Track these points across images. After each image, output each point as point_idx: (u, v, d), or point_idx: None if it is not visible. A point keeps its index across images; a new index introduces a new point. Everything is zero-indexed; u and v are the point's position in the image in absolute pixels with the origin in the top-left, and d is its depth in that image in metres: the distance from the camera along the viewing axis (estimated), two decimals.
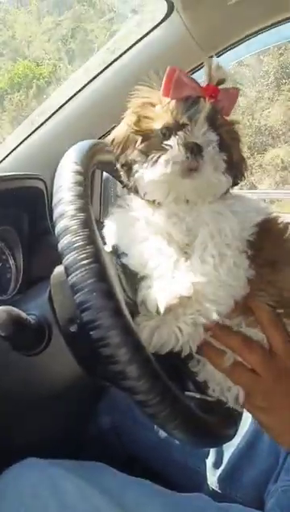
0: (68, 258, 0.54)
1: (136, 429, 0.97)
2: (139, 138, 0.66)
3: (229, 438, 0.70)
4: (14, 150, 1.18)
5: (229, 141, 0.66)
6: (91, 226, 0.57)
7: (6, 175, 0.91)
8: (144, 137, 0.65)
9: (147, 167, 0.63)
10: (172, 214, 0.65)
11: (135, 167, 0.66)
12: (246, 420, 0.91)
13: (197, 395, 0.69)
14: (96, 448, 0.99)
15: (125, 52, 1.02)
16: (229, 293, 0.61)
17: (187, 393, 0.69)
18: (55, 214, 0.58)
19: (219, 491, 0.90)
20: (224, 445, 0.93)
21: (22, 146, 1.18)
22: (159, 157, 0.62)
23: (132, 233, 0.66)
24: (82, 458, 0.80)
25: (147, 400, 0.54)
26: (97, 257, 0.54)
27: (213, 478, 0.91)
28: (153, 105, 0.65)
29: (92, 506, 0.67)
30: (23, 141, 1.18)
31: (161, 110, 0.64)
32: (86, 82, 1.10)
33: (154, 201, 0.66)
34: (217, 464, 0.92)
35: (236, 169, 0.68)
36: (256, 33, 0.99)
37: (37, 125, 1.17)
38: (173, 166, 0.61)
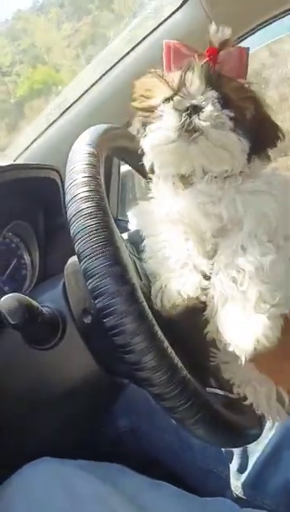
0: (80, 243, 0.51)
1: (155, 432, 0.93)
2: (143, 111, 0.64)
3: (253, 438, 0.65)
4: (29, 146, 1.17)
5: (237, 100, 0.61)
6: (105, 209, 0.53)
7: (20, 164, 0.90)
8: (147, 110, 0.64)
9: (145, 136, 0.62)
10: (199, 195, 0.61)
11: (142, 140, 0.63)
12: (273, 426, 0.86)
13: (220, 392, 0.65)
14: (114, 451, 0.95)
15: (144, 39, 0.99)
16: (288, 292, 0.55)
17: (209, 389, 0.65)
18: (67, 197, 0.54)
19: (244, 497, 0.85)
20: (249, 450, 0.89)
21: (37, 142, 1.16)
22: (153, 126, 0.60)
23: (150, 222, 0.64)
24: (99, 460, 0.76)
25: (164, 393, 0.50)
26: (110, 240, 0.51)
27: (237, 483, 0.87)
28: (154, 85, 0.64)
29: (107, 507, 0.64)
30: (38, 137, 1.17)
31: (161, 85, 0.62)
32: (102, 74, 1.07)
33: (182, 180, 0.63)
34: (241, 469, 0.87)
35: (256, 131, 0.62)
36: (276, 17, 0.95)
37: (52, 120, 1.15)
38: (167, 131, 0.59)
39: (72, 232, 0.52)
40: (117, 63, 1.03)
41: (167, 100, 0.60)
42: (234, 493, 0.86)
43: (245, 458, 0.88)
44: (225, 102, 0.59)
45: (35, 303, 0.60)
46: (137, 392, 0.56)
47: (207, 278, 0.57)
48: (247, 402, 0.64)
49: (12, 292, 0.65)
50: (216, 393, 0.65)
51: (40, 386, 0.70)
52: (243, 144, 0.61)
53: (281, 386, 0.62)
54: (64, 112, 1.14)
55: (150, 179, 0.68)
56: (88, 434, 0.87)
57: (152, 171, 0.65)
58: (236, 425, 0.59)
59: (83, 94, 1.10)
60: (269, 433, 0.87)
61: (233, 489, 0.87)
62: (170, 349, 0.51)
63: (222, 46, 0.60)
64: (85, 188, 0.54)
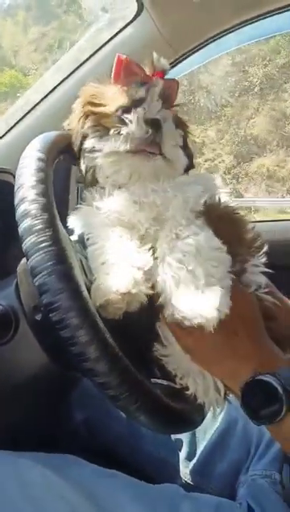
0: (27, 242, 0.55)
1: (109, 422, 0.96)
2: (94, 119, 0.69)
3: (195, 425, 0.70)
4: None
5: (179, 123, 0.70)
6: (51, 210, 0.57)
7: None
8: (100, 115, 0.68)
9: (107, 140, 0.66)
10: (135, 197, 0.65)
11: (91, 142, 0.68)
12: (214, 414, 0.91)
13: (163, 382, 0.70)
14: (69, 441, 0.98)
15: (97, 51, 1.03)
16: (226, 264, 0.61)
17: (153, 380, 0.70)
18: (16, 199, 0.58)
19: (192, 483, 0.90)
20: (197, 438, 0.94)
21: None
22: (119, 131, 0.65)
23: (93, 221, 0.67)
24: (55, 452, 0.79)
25: (107, 382, 0.54)
26: (55, 240, 0.55)
27: (185, 470, 0.91)
28: (103, 93, 0.69)
29: (60, 497, 0.66)
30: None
31: (113, 94, 0.67)
32: (59, 81, 1.10)
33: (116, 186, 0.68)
34: (189, 457, 0.92)
35: (187, 152, 0.71)
36: (225, 32, 1.01)
37: (11, 124, 1.17)
38: (133, 141, 0.64)
39: (20, 232, 0.56)
40: (73, 71, 1.07)
41: (124, 108, 0.66)
42: (183, 480, 0.91)
43: (193, 446, 0.93)
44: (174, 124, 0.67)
45: None
46: (91, 384, 0.59)
47: (146, 272, 0.61)
48: (189, 392, 0.69)
49: None
50: (160, 383, 0.69)
51: None
52: (185, 161, 0.70)
53: (216, 377, 0.67)
54: (23, 117, 1.17)
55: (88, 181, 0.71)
56: (44, 427, 0.90)
57: (95, 182, 0.70)
58: (177, 412, 0.64)
59: (42, 99, 1.13)
60: (215, 423, 0.92)
61: (181, 475, 0.91)
62: (112, 341, 0.55)
63: (163, 73, 0.67)
64: (33, 191, 0.58)
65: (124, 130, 0.64)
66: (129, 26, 0.98)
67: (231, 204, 0.70)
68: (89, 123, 0.69)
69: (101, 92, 0.69)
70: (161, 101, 0.66)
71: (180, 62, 1.04)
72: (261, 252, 0.69)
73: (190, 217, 0.62)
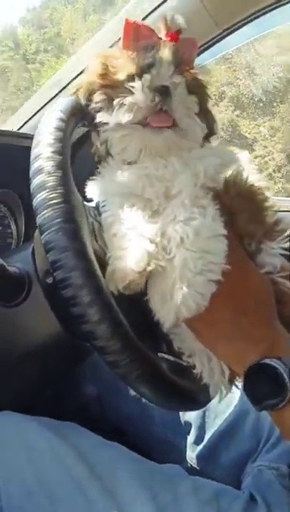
0: (38, 198, 0.54)
1: (119, 400, 0.96)
2: (105, 88, 0.65)
3: (199, 405, 0.68)
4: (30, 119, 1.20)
5: (195, 87, 0.65)
6: (65, 168, 0.56)
7: (3, 130, 0.93)
8: (109, 86, 0.65)
9: (112, 111, 0.62)
10: (145, 171, 0.62)
11: (100, 116, 0.64)
12: (231, 401, 0.89)
13: (170, 357, 0.68)
14: (79, 415, 0.99)
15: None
16: (223, 246, 0.57)
17: (160, 354, 0.68)
18: (32, 155, 0.58)
19: (197, 468, 0.88)
20: (206, 423, 0.92)
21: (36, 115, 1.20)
22: (122, 102, 0.61)
23: (109, 190, 0.66)
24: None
25: (107, 346, 0.53)
26: (66, 198, 0.54)
27: (192, 455, 0.90)
28: (116, 59, 0.65)
29: (60, 462, 0.68)
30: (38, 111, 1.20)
31: (122, 62, 0.63)
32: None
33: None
34: (197, 442, 0.91)
35: (207, 118, 0.67)
36: (270, 7, 0.96)
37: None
38: (139, 111, 0.60)
39: (31, 189, 0.56)
40: (112, 46, 1.05)
41: (132, 77, 0.62)
42: (188, 464, 0.89)
43: (202, 431, 0.91)
44: (188, 89, 0.62)
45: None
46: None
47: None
48: (196, 371, 0.67)
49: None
50: (166, 358, 0.68)
51: (6, 342, 0.73)
52: (203, 129, 0.65)
53: (220, 359, 0.64)
54: (63, 88, 1.17)
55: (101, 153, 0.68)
56: (55, 396, 0.91)
57: (108, 154, 0.67)
58: (180, 388, 0.62)
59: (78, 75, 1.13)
60: (227, 410, 0.90)
61: (188, 459, 0.90)
62: (114, 304, 0.54)
63: (178, 33, 0.62)
64: (49, 149, 0.57)
65: (127, 100, 0.61)
66: None
67: (257, 184, 0.66)
68: (98, 96, 0.65)
69: (111, 60, 0.65)
70: (173, 65, 0.61)
71: (224, 38, 1.00)
72: (283, 236, 0.65)
73: (198, 195, 0.59)
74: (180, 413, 0.94)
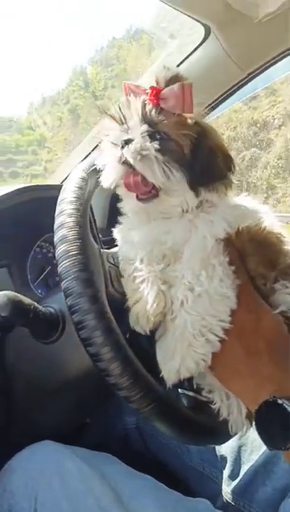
0: (59, 250, 0.62)
1: (156, 430, 0.99)
2: None
3: (219, 440, 0.70)
4: None
5: (175, 134, 0.63)
6: (83, 224, 0.63)
7: (45, 185, 1.03)
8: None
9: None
10: (156, 228, 0.67)
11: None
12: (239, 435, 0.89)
13: (190, 393, 0.71)
14: (119, 444, 1.03)
15: None
16: (228, 305, 0.62)
17: (180, 390, 0.72)
18: (56, 212, 0.65)
19: (232, 503, 0.88)
20: (242, 458, 0.92)
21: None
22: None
23: (126, 239, 0.72)
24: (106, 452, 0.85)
25: (119, 383, 0.58)
26: (82, 250, 0.61)
27: (227, 489, 0.90)
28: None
29: (88, 488, 0.72)
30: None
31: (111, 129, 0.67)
32: None
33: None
34: (232, 476, 0.91)
35: (199, 164, 0.64)
36: None
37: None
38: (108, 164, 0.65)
39: (54, 241, 0.63)
40: None
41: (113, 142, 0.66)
42: (224, 499, 0.90)
43: (237, 466, 0.91)
44: (161, 137, 0.63)
45: (27, 300, 0.71)
46: None
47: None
48: (215, 407, 0.69)
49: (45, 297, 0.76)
50: (186, 394, 0.71)
51: (44, 375, 0.81)
52: (175, 176, 0.63)
53: (235, 394, 0.67)
54: None
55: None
56: (92, 423, 0.96)
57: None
58: (196, 423, 0.65)
59: None
60: (263, 445, 0.90)
61: (223, 494, 0.90)
62: (124, 344, 0.59)
63: (169, 83, 0.63)
64: (71, 206, 0.65)
65: (104, 172, 0.67)
66: (197, 50, 1.02)
67: (275, 230, 0.69)
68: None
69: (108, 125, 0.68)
70: (140, 118, 0.63)
71: (249, 81, 1.05)
72: None
73: (209, 255, 0.62)
74: (216, 447, 0.95)
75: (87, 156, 1.28)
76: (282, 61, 1.02)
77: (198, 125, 0.65)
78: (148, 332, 0.64)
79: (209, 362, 0.61)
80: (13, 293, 0.68)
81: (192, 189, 0.65)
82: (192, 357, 0.60)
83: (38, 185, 1.01)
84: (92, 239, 0.65)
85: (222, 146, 0.67)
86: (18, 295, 0.70)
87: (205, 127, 0.66)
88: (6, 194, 0.94)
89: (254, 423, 0.59)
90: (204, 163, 0.64)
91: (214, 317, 0.60)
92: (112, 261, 0.71)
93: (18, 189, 0.97)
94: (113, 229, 0.76)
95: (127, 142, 0.62)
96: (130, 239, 0.70)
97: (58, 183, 1.33)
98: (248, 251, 0.66)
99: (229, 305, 0.62)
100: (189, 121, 0.65)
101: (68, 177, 0.71)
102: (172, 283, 0.64)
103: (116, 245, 0.76)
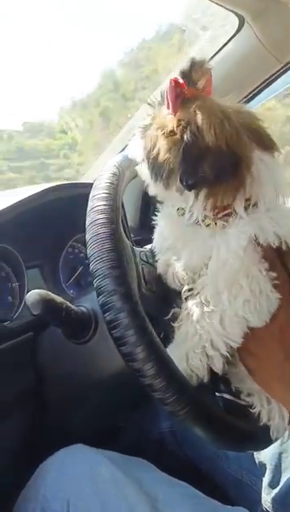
0: (91, 247, 0.60)
1: (193, 436, 0.96)
2: None
3: (258, 446, 0.67)
4: None
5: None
6: (116, 221, 0.61)
7: (78, 183, 1.02)
8: None
9: None
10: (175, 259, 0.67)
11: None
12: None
13: (228, 396, 0.68)
14: (154, 449, 1.01)
15: None
16: (244, 327, 0.59)
17: (218, 393, 0.69)
18: (88, 209, 0.64)
19: (271, 511, 0.84)
20: (282, 465, 0.88)
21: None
22: None
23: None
24: (140, 457, 0.83)
25: (154, 384, 0.55)
26: (115, 248, 0.59)
27: (267, 498, 0.86)
28: None
29: (121, 493, 0.71)
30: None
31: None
32: None
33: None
34: (272, 484, 0.87)
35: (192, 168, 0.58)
36: None
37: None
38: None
39: (86, 239, 0.62)
40: None
41: None
42: (263, 507, 0.86)
43: (278, 473, 0.87)
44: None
45: (59, 298, 0.70)
46: None
47: None
48: (254, 411, 0.66)
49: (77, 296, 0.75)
50: (223, 397, 0.68)
51: (76, 376, 0.80)
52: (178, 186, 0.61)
53: (278, 401, 0.63)
54: None
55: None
56: (126, 426, 0.94)
57: None
58: (234, 427, 0.62)
59: None
60: None
61: (263, 502, 0.86)
62: (159, 343, 0.57)
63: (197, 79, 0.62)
64: (102, 203, 0.63)
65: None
66: (231, 42, 0.99)
67: None
68: None
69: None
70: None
71: (285, 72, 1.00)
72: None
73: (229, 279, 0.58)
74: (255, 453, 0.91)
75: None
76: None
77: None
78: None
79: (201, 377, 0.61)
80: (45, 291, 0.68)
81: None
82: (185, 369, 0.60)
83: (69, 183, 1.00)
84: (124, 236, 0.63)
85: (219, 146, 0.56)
86: (50, 293, 0.69)
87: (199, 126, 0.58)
88: (36, 193, 0.93)
89: None
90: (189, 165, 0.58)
91: (223, 337, 0.59)
92: (145, 259, 0.69)
93: (48, 188, 0.96)
94: (145, 228, 0.74)
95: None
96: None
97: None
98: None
99: (241, 331, 0.59)
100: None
101: (100, 173, 0.69)
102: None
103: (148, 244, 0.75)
